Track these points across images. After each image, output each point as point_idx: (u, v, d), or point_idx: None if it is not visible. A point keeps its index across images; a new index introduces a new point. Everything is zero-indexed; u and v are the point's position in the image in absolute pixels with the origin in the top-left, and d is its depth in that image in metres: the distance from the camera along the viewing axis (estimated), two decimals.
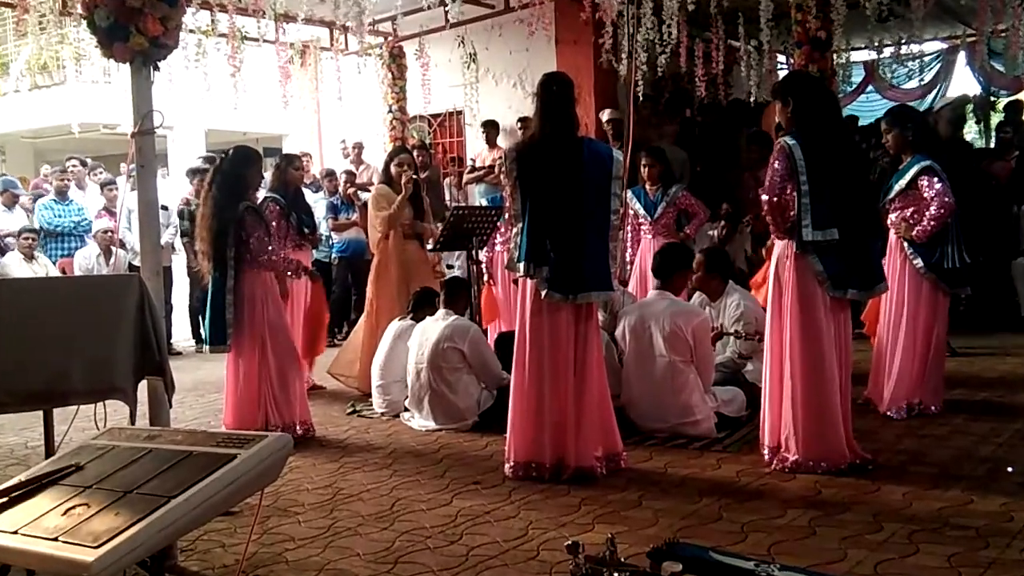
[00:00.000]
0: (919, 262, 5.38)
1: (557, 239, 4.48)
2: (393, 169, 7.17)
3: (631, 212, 7.34)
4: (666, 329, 5.20)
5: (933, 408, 5.42)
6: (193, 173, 9.72)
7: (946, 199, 5.25)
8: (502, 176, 4.95)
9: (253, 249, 5.49)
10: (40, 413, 3.74)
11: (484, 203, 9.39)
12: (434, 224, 7.48)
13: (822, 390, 4.35)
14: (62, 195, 9.97)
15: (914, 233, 5.35)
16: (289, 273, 5.96)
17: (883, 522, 3.64)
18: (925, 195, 5.30)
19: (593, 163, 4.51)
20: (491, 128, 10.69)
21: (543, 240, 4.49)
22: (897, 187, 5.43)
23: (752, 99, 10.15)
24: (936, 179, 5.27)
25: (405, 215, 7.08)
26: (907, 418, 5.32)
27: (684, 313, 5.33)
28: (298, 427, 5.61)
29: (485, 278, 7.30)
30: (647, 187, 7.30)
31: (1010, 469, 4.26)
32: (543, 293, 4.48)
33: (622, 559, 2.32)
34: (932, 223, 5.28)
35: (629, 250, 7.42)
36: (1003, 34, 10.94)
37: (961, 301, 6.68)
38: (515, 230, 4.63)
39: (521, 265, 4.54)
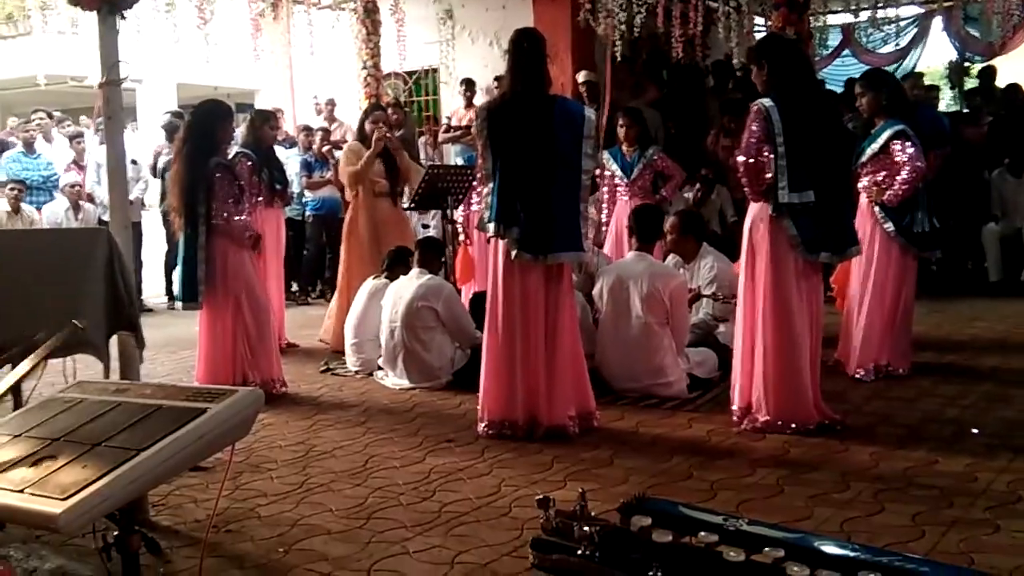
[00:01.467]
0: (889, 226, 5.41)
1: (527, 199, 4.45)
2: (367, 126, 7.11)
3: (607, 173, 7.32)
4: (644, 290, 5.21)
5: (901, 370, 5.49)
6: (169, 131, 9.55)
7: (918, 163, 5.28)
8: (475, 135, 4.91)
9: (222, 209, 5.42)
10: (8, 367, 3.70)
11: (460, 162, 9.33)
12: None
13: (792, 352, 4.39)
14: (29, 148, 9.77)
15: (885, 197, 5.38)
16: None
17: (850, 481, 3.70)
18: (897, 159, 5.33)
19: (564, 122, 4.46)
20: (470, 87, 10.59)
21: (513, 200, 4.46)
22: (869, 151, 5.45)
23: (735, 61, 10.09)
24: (908, 143, 5.29)
25: (376, 172, 7.03)
26: (875, 380, 5.39)
27: (662, 275, 5.34)
28: (280, 384, 5.61)
29: (461, 238, 7.27)
30: (624, 148, 7.28)
31: (975, 431, 4.34)
32: (513, 254, 4.46)
33: (593, 514, 2.34)
34: (904, 187, 5.31)
35: (605, 211, 7.41)
36: (978, 0, 10.96)
37: (931, 263, 6.75)
38: (486, 190, 4.61)
39: (491, 225, 4.52)
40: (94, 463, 1.94)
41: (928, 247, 5.58)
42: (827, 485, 3.67)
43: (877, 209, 5.43)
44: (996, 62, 10.78)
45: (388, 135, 7.08)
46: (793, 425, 4.38)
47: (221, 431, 2.11)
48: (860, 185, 5.48)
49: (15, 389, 3.36)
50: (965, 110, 9.87)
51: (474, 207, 7.48)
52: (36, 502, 1.90)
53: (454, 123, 10.70)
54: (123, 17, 3.77)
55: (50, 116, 10.67)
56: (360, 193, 7.11)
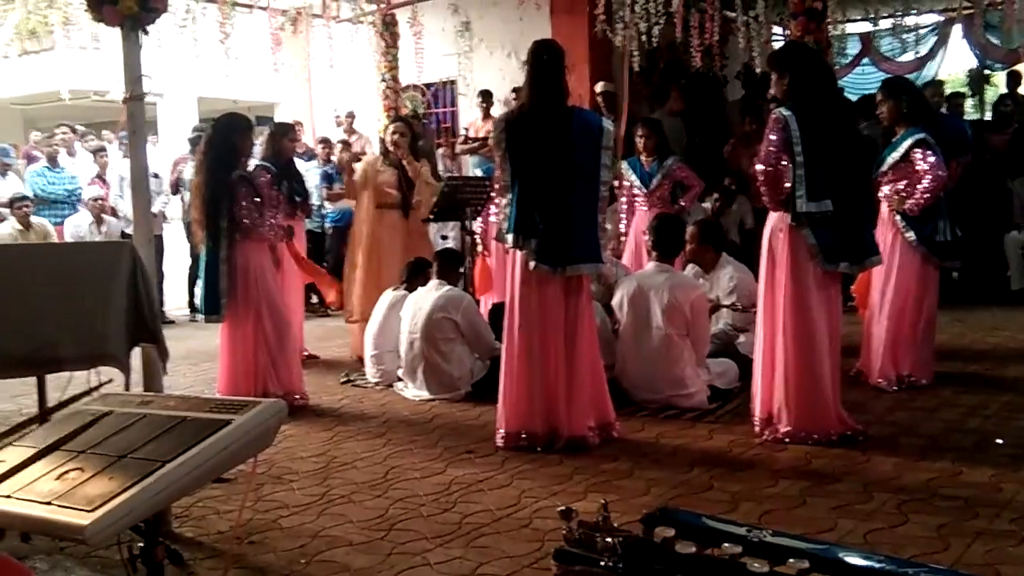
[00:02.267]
0: (911, 235, 5.38)
1: (545, 210, 4.45)
2: (388, 138, 7.16)
3: (626, 184, 7.32)
4: (664, 301, 5.19)
5: (923, 380, 5.45)
6: (194, 143, 9.64)
7: (939, 172, 5.25)
8: (492, 146, 4.93)
9: (244, 219, 5.47)
10: (34, 379, 3.73)
11: (479, 174, 9.34)
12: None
13: (813, 362, 4.37)
14: (53, 162, 9.88)
15: (907, 206, 5.35)
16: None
17: (873, 492, 3.68)
18: (918, 168, 5.30)
19: (582, 133, 4.47)
20: (487, 98, 10.62)
21: (531, 211, 4.46)
22: (890, 159, 5.42)
23: (758, 70, 10.05)
24: (930, 152, 5.26)
25: (386, 183, 7.05)
26: (897, 390, 5.35)
27: (683, 286, 5.32)
28: (301, 396, 5.64)
29: (479, 249, 7.28)
30: (643, 158, 7.27)
31: (999, 441, 4.30)
32: (531, 265, 4.47)
33: (615, 525, 2.33)
34: (925, 196, 5.28)
35: (624, 222, 7.41)
36: (999, 7, 10.88)
37: (952, 272, 6.71)
38: (504, 201, 4.62)
39: (510, 236, 4.53)
40: (120, 475, 1.95)
41: (950, 256, 5.54)
42: (850, 496, 3.65)
43: (899, 218, 5.40)
44: (1021, 68, 10.69)
45: (399, 149, 7.07)
46: (815, 435, 4.36)
47: (245, 442, 2.13)
48: (881, 194, 5.46)
49: (40, 403, 3.40)
50: (987, 117, 9.78)
51: (492, 219, 7.50)
52: (63, 513, 1.92)
53: (472, 135, 10.72)
54: (146, 32, 3.81)
55: (73, 130, 10.78)
56: (365, 203, 7.14)
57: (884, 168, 5.45)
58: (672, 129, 9.29)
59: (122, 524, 1.95)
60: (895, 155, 5.39)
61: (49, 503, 1.98)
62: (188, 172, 9.66)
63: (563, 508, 2.28)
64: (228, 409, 2.18)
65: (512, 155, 4.50)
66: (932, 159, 5.25)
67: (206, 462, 2.02)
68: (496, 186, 4.75)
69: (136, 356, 3.63)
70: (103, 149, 10.12)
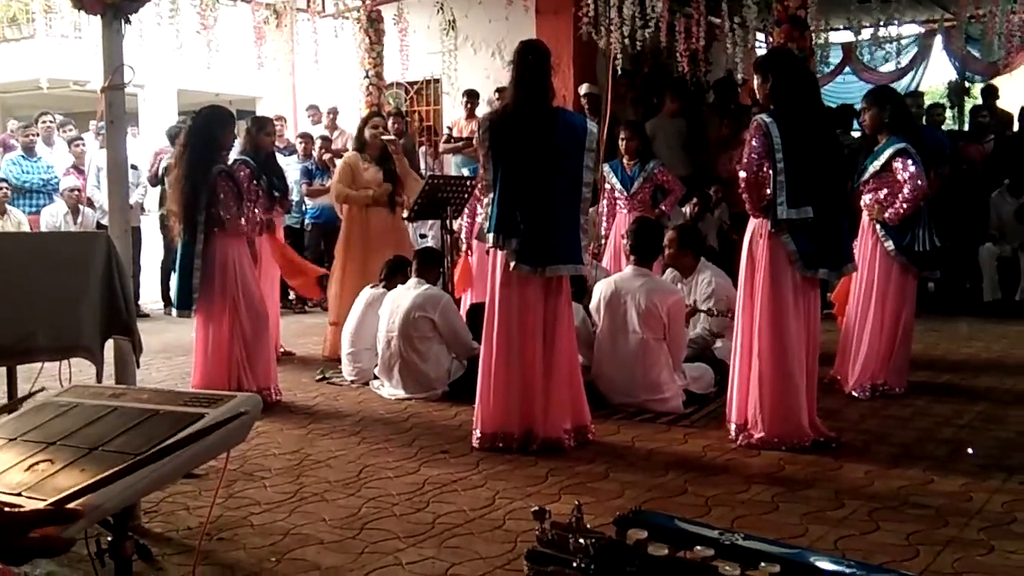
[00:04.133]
0: (890, 244, 5.42)
1: (527, 210, 4.45)
2: (367, 132, 7.14)
3: (607, 186, 7.33)
4: (641, 305, 5.20)
5: (897, 389, 5.49)
6: (173, 136, 9.55)
7: (919, 182, 5.29)
8: (476, 145, 4.93)
9: (223, 214, 5.43)
10: (3, 370, 3.69)
11: (465, 173, 9.30)
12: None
13: (788, 369, 4.39)
14: (29, 151, 9.75)
15: (887, 215, 5.39)
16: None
17: (844, 499, 3.70)
18: (899, 177, 5.34)
19: (566, 134, 4.48)
20: (471, 98, 10.60)
21: (513, 211, 4.46)
22: (871, 168, 5.46)
23: (739, 77, 10.09)
24: (910, 161, 5.30)
25: (372, 180, 7.05)
26: (871, 398, 5.39)
27: (660, 291, 5.33)
28: (275, 392, 5.61)
29: (463, 247, 7.27)
30: (624, 161, 7.29)
31: (970, 451, 4.34)
32: (512, 265, 4.46)
33: (588, 527, 2.33)
34: (905, 205, 5.31)
35: (604, 224, 7.42)
36: (980, 19, 11.00)
37: (928, 282, 6.76)
38: (487, 200, 4.62)
39: (491, 236, 4.53)
40: (91, 467, 1.92)
41: (928, 266, 5.58)
42: (822, 503, 3.67)
43: (878, 227, 5.44)
44: (997, 82, 10.81)
45: (393, 141, 7.08)
46: (788, 442, 4.38)
47: (218, 436, 2.10)
48: (862, 202, 5.49)
49: (9, 393, 3.36)
50: (965, 129, 9.88)
51: (479, 218, 7.50)
52: (32, 506, 1.89)
53: (455, 134, 10.71)
54: (128, 22, 3.78)
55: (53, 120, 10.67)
56: (353, 206, 7.14)
57: (865, 177, 5.48)
58: (675, 132, 9.30)
59: (92, 517, 1.91)
60: (876, 164, 5.43)
61: (18, 495, 1.94)
62: (163, 164, 9.62)
63: (536, 509, 2.27)
64: (202, 403, 2.15)
65: (496, 155, 4.50)
66: (913, 168, 5.28)
67: (179, 456, 1.99)
68: (479, 185, 4.75)
69: (109, 349, 3.59)
70: (80, 139, 10.01)
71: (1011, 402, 5.31)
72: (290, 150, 10.50)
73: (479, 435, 4.59)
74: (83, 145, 9.77)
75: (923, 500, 3.67)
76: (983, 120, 9.59)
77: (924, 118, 9.05)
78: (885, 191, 5.41)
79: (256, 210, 5.94)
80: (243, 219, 5.56)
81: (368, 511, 3.69)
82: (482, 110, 10.50)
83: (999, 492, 3.74)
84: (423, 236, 9.16)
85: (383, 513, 3.66)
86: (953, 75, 12.68)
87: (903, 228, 5.39)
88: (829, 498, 3.72)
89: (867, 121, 5.56)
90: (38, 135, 9.91)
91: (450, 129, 11.01)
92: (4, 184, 8.95)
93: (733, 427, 4.57)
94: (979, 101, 10.74)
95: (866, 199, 5.48)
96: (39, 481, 1.95)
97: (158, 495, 3.77)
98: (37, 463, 2.03)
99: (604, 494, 3.82)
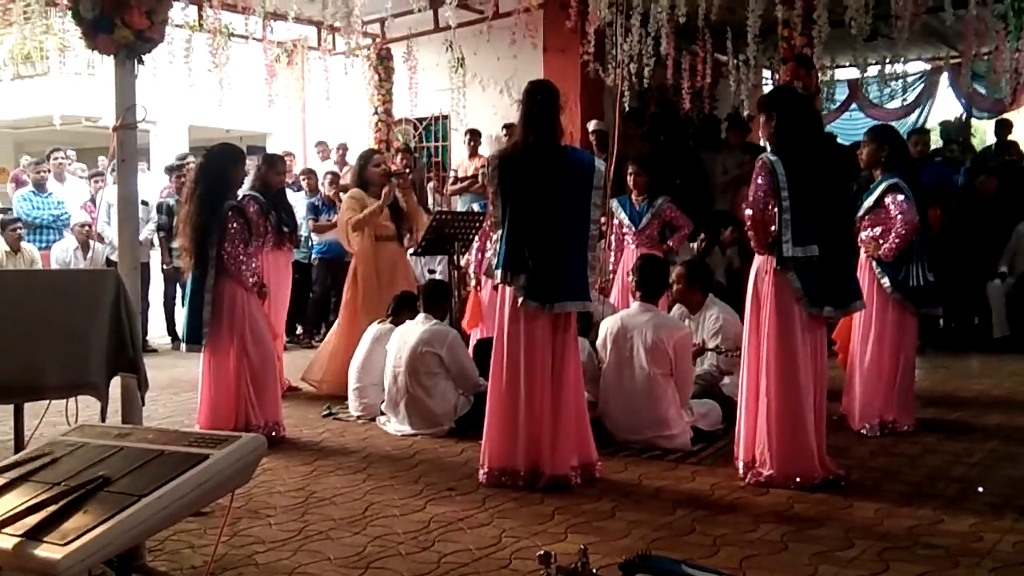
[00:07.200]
0: (886, 281, 5.42)
1: (535, 247, 4.48)
2: (371, 171, 7.19)
3: (615, 221, 7.35)
4: (648, 341, 5.19)
5: (906, 426, 5.45)
6: (170, 170, 9.67)
7: (911, 217, 5.29)
8: (485, 183, 4.96)
9: (228, 261, 5.45)
10: (11, 407, 3.69)
11: (476, 208, 9.35)
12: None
13: (796, 406, 4.36)
14: (40, 187, 9.85)
15: (881, 252, 5.39)
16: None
17: (854, 539, 3.66)
18: (892, 213, 5.35)
19: (574, 172, 4.51)
20: (474, 137, 10.70)
21: (522, 248, 4.48)
22: (866, 205, 5.48)
23: (746, 114, 10.13)
24: (901, 196, 5.32)
25: (383, 216, 7.09)
26: (880, 436, 5.35)
27: (667, 327, 5.32)
28: (281, 428, 5.60)
29: (472, 283, 7.29)
30: (633, 197, 7.31)
31: (981, 489, 4.29)
32: (519, 301, 4.47)
33: (594, 570, 2.32)
34: (897, 241, 5.32)
35: (612, 259, 7.43)
36: (986, 57, 11.06)
37: (937, 319, 6.73)
38: (495, 236, 4.64)
39: (499, 272, 4.54)
40: (95, 508, 1.93)
41: (926, 303, 5.54)
42: (831, 542, 3.63)
43: (874, 264, 5.44)
44: (1008, 116, 10.83)
45: (402, 174, 7.12)
46: (797, 480, 4.34)
47: (223, 478, 2.11)
48: (859, 239, 5.50)
49: (16, 431, 3.36)
50: (967, 165, 9.89)
51: (488, 253, 7.52)
52: (37, 547, 1.89)
53: (460, 174, 10.78)
54: (142, 62, 3.82)
55: (65, 156, 10.79)
56: (364, 238, 7.15)
57: (860, 213, 5.50)
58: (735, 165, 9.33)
59: (96, 558, 1.92)
60: (870, 200, 5.46)
61: (23, 536, 1.95)
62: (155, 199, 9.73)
63: (542, 552, 2.26)
64: (207, 444, 2.16)
65: (504, 192, 4.53)
66: (904, 205, 5.30)
67: (183, 497, 1.99)
68: (488, 221, 4.77)
69: (115, 386, 3.60)
70: (100, 174, 10.10)
71: (1022, 440, 5.26)
72: (297, 186, 10.59)
73: (485, 471, 4.57)
74: (102, 182, 9.86)
75: (933, 540, 3.63)
76: (951, 154, 9.69)
77: (941, 157, 9.07)
78: (880, 228, 5.42)
79: (267, 245, 5.95)
80: (245, 271, 5.53)
81: (373, 550, 3.66)
82: (486, 146, 10.59)
83: (1010, 532, 3.70)
84: (431, 271, 9.19)
85: (388, 552, 3.64)
86: (959, 112, 12.72)
87: (898, 264, 5.39)
88: (839, 537, 3.69)
89: (863, 156, 5.59)
90: (49, 171, 10.02)
91: (455, 171, 11.09)
92: (19, 224, 9.05)
93: (741, 464, 4.54)
94: (987, 138, 10.78)
95: (863, 236, 5.49)
96: (43, 522, 1.95)
97: (163, 534, 3.74)
98: (43, 504, 2.03)
99: (611, 533, 3.79)
